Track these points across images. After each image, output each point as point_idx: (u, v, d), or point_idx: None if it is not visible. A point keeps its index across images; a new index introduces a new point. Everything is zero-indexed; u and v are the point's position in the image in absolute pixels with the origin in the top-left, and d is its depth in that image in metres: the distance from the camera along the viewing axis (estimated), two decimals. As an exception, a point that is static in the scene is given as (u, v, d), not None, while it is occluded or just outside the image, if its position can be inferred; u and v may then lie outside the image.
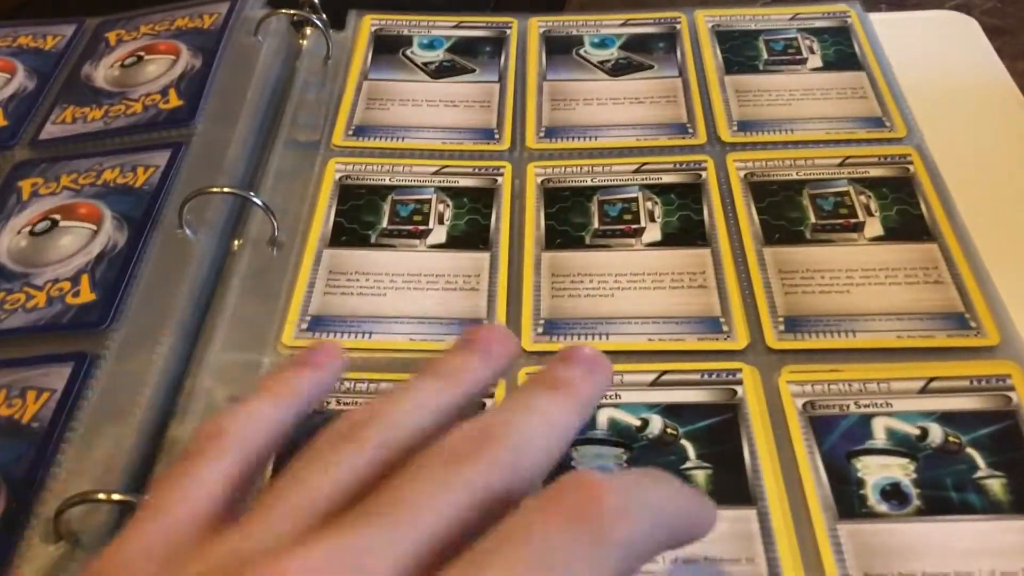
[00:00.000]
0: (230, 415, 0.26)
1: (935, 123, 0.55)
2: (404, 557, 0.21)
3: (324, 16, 0.64)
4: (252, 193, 0.49)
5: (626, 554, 0.22)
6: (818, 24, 0.63)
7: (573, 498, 0.22)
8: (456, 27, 0.65)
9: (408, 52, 0.62)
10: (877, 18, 0.63)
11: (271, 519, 0.22)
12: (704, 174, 0.53)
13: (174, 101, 0.57)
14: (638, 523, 0.22)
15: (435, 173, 0.54)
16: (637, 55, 0.61)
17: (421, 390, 0.27)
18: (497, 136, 0.56)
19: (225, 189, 0.48)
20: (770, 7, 0.65)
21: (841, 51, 0.60)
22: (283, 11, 0.61)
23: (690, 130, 0.56)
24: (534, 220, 0.51)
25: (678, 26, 0.63)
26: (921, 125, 0.55)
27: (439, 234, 0.50)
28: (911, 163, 0.52)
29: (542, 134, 0.56)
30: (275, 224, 0.49)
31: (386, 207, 0.52)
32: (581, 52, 0.61)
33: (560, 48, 0.62)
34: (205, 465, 0.24)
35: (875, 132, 0.54)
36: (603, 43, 0.62)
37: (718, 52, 0.61)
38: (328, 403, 0.42)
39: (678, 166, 0.53)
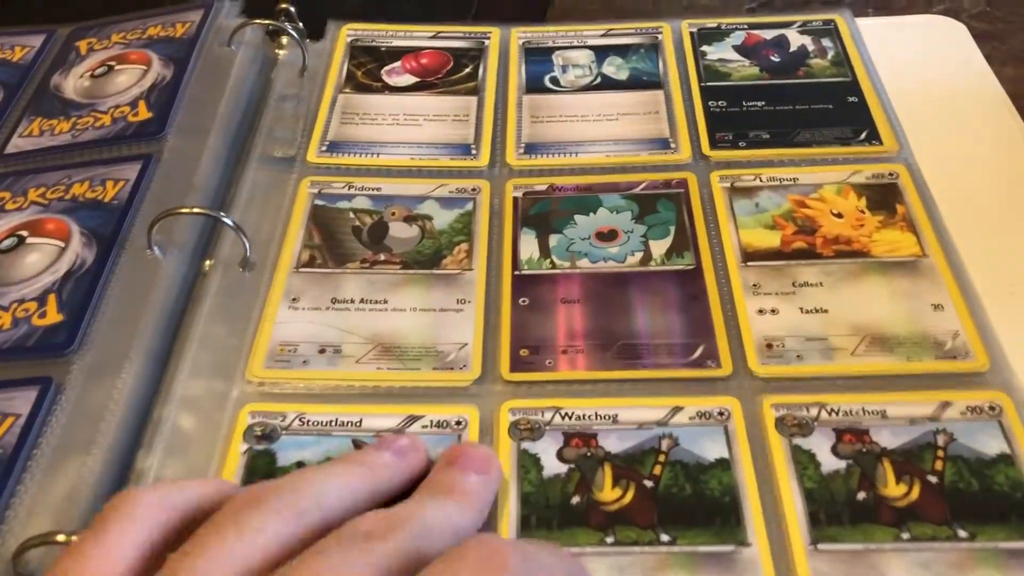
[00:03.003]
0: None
1: (923, 135, 0.54)
2: None
3: (301, 26, 0.62)
4: (223, 213, 0.47)
5: None
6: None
7: (478, 554, 0.23)
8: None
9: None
10: (864, 24, 0.62)
11: None
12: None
13: (143, 113, 0.55)
14: None
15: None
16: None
17: (341, 475, 0.29)
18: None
19: (195, 209, 0.47)
20: (756, 14, 0.64)
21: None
22: (258, 21, 0.59)
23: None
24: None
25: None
26: (908, 133, 0.54)
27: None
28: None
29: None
30: (247, 245, 0.48)
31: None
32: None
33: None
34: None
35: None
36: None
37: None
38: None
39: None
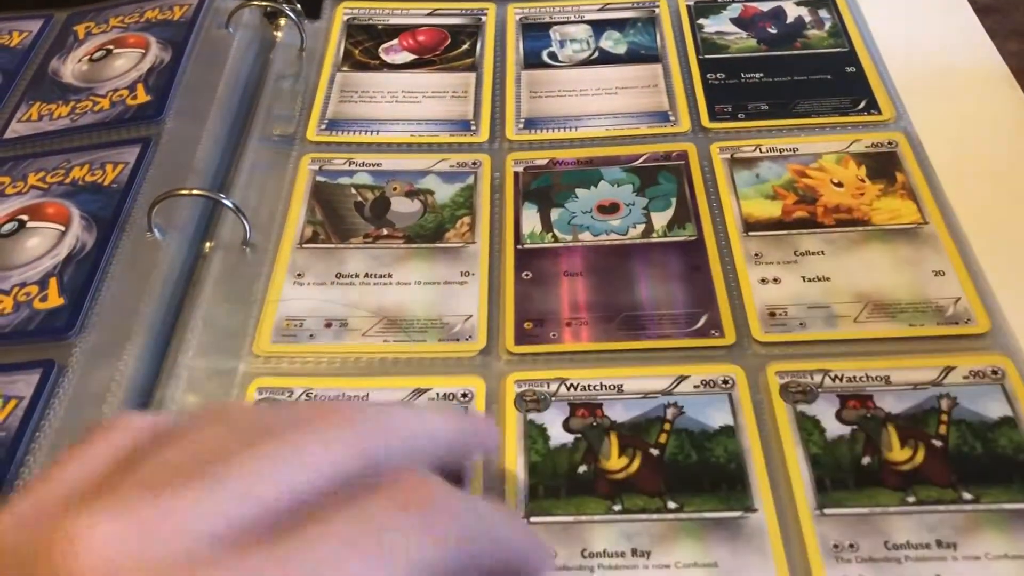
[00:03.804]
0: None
1: (922, 105, 0.54)
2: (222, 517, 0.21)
3: (298, 5, 0.62)
4: (222, 195, 0.47)
5: (445, 551, 0.22)
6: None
7: (410, 488, 0.23)
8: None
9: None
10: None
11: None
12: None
13: (142, 96, 0.55)
14: (467, 527, 0.23)
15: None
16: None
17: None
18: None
19: (194, 191, 0.47)
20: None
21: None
22: (255, 3, 0.59)
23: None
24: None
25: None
26: (907, 103, 0.54)
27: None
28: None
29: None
30: (247, 226, 0.48)
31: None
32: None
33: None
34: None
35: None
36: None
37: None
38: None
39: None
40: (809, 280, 0.45)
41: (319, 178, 0.52)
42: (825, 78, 0.56)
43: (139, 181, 0.50)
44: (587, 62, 0.59)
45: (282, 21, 0.62)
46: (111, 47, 0.59)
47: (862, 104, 0.54)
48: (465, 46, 0.60)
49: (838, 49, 0.58)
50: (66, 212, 0.49)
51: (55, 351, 0.43)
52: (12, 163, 0.53)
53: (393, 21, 0.63)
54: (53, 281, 0.46)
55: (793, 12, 0.61)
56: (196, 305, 0.45)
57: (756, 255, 0.46)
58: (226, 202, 0.47)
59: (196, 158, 0.51)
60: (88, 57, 0.59)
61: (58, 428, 0.40)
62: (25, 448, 0.40)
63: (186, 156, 0.51)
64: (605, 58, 0.59)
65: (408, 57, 0.60)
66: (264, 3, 0.59)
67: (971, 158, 0.51)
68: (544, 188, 0.51)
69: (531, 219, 0.49)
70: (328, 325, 0.45)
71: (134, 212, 0.48)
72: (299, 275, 0.47)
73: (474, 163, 0.53)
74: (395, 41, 0.61)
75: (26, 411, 0.41)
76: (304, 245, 0.48)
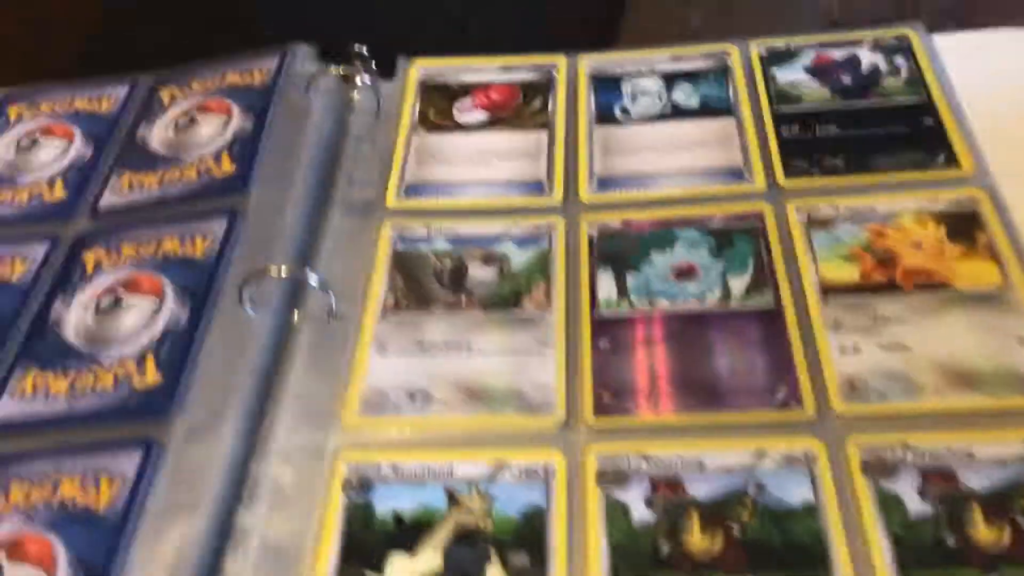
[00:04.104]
0: None
1: (1005, 158, 0.53)
2: None
3: (373, 65, 0.64)
4: (308, 270, 0.49)
5: None
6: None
7: None
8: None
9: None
10: (941, 40, 0.61)
11: None
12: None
13: (227, 166, 0.57)
14: None
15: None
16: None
17: None
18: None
19: (282, 270, 0.48)
20: (826, 32, 0.64)
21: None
22: (332, 69, 0.61)
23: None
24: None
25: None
26: (989, 156, 0.53)
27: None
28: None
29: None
30: (332, 299, 0.49)
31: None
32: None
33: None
34: None
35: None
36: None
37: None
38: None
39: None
40: (888, 348, 0.45)
41: (399, 246, 0.53)
42: (902, 130, 0.55)
43: (228, 254, 0.52)
44: (660, 116, 0.59)
45: (358, 81, 0.63)
46: (195, 114, 0.62)
47: (941, 158, 0.53)
48: (537, 102, 0.61)
49: (915, 99, 0.57)
50: (159, 285, 0.51)
51: (154, 429, 0.45)
52: (107, 235, 0.55)
53: (466, 78, 0.64)
54: (150, 358, 0.48)
55: (868, 59, 0.60)
56: (286, 380, 0.47)
57: (835, 322, 0.46)
58: (311, 280, 0.48)
59: (282, 229, 0.52)
60: (174, 124, 0.61)
61: (160, 509, 0.42)
62: (133, 526, 0.41)
63: (272, 228, 0.53)
64: (678, 112, 0.59)
65: (482, 115, 0.61)
66: (339, 70, 0.61)
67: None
68: (619, 251, 0.52)
69: (607, 284, 0.50)
70: (411, 397, 0.46)
71: (225, 286, 0.50)
72: (382, 345, 0.48)
73: (548, 226, 0.53)
74: (468, 99, 0.62)
75: (131, 491, 0.43)
76: (387, 315, 0.50)
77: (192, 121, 0.61)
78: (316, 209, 0.55)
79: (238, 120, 0.60)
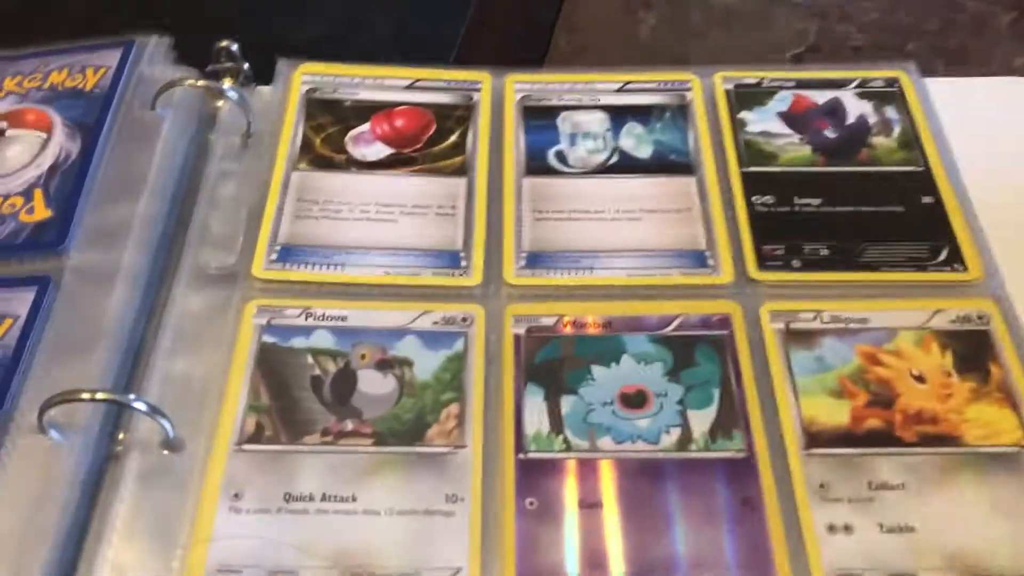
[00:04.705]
0: None
1: (1015, 241, 0.44)
2: None
3: (247, 67, 0.50)
4: (132, 396, 0.36)
5: None
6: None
7: None
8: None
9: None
10: (934, 86, 0.51)
11: None
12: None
13: (40, 211, 0.43)
14: None
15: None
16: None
17: None
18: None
19: (98, 396, 0.35)
20: (803, 64, 0.53)
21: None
22: (189, 82, 0.47)
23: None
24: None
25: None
26: (1000, 257, 0.44)
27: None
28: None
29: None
30: (168, 427, 0.37)
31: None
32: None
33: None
34: None
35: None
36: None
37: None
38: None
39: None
40: (888, 530, 0.36)
41: (267, 338, 0.41)
42: (897, 210, 0.46)
43: (30, 349, 0.38)
44: (604, 168, 0.48)
45: (226, 92, 0.49)
46: (4, 124, 0.47)
47: (943, 255, 0.44)
48: (454, 137, 0.49)
49: (911, 168, 0.47)
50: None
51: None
52: None
53: (364, 96, 0.51)
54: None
55: (854, 107, 0.50)
56: (100, 542, 0.35)
57: (821, 486, 0.37)
58: (139, 406, 0.36)
59: (107, 312, 0.39)
60: (-27, 136, 0.47)
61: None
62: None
63: (94, 309, 0.40)
64: (626, 163, 0.48)
65: (383, 150, 0.48)
66: (200, 83, 0.47)
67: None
68: (552, 363, 0.41)
69: (536, 411, 0.39)
70: (273, 582, 0.34)
71: (21, 401, 0.37)
72: (235, 496, 0.36)
73: (464, 319, 0.42)
74: (366, 127, 0.49)
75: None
76: (244, 446, 0.38)
77: (0, 135, 0.47)
78: (156, 277, 0.42)
79: (60, 140, 0.46)
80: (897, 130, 0.49)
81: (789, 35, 0.61)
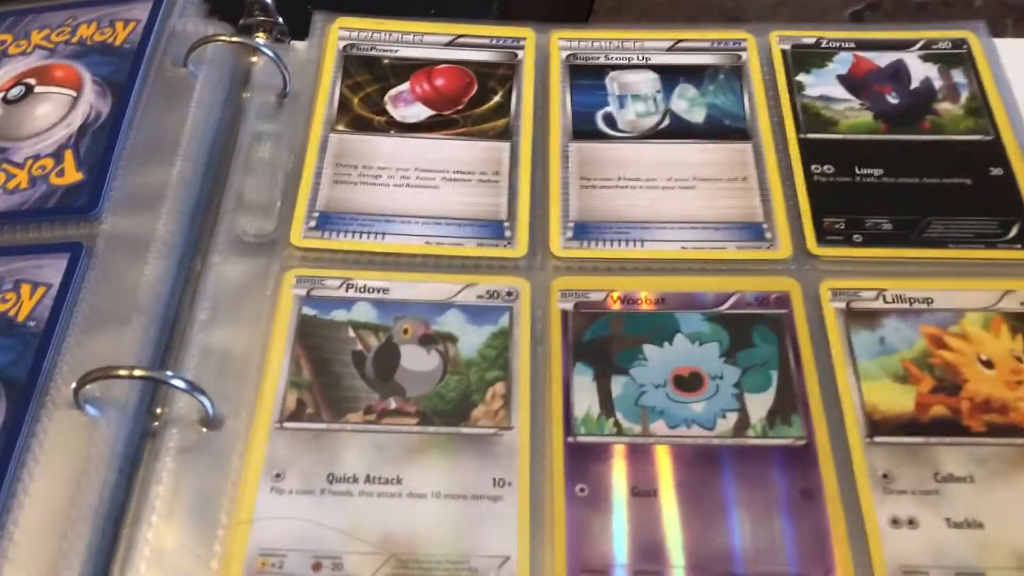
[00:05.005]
0: None
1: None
2: None
3: (281, 21, 0.48)
4: (169, 373, 0.35)
5: None
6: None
7: None
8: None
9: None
10: (1004, 46, 0.48)
11: None
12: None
13: (71, 173, 0.41)
14: None
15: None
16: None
17: None
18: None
19: (136, 372, 0.34)
20: (863, 23, 0.50)
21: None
22: (222, 38, 0.45)
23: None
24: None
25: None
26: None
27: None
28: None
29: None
30: (208, 405, 0.35)
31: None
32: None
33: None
34: None
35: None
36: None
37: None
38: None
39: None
40: (955, 525, 0.34)
41: (306, 310, 0.39)
42: (964, 183, 0.43)
43: (63, 320, 0.37)
44: (655, 133, 0.46)
45: (260, 48, 0.47)
46: (32, 81, 0.45)
47: (1014, 231, 0.42)
48: (497, 98, 0.47)
49: (979, 137, 0.45)
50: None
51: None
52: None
53: (403, 53, 0.48)
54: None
55: (919, 71, 0.48)
56: (139, 523, 0.34)
57: (884, 476, 0.35)
58: (176, 382, 0.35)
59: (141, 283, 0.38)
60: (2, 95, 0.45)
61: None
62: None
63: (129, 277, 0.38)
64: (678, 127, 0.46)
65: (423, 112, 0.46)
66: (233, 39, 0.45)
67: None
68: (602, 341, 0.39)
69: (585, 392, 0.38)
70: (317, 568, 0.33)
71: (56, 376, 0.36)
72: (277, 475, 0.35)
73: (509, 293, 0.40)
74: (405, 87, 0.47)
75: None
76: (285, 424, 0.36)
77: (28, 92, 0.45)
78: (191, 246, 0.41)
79: (90, 98, 0.44)
80: (964, 96, 0.46)
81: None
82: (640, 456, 0.36)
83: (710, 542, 0.34)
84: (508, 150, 0.45)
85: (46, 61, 0.46)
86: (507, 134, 0.45)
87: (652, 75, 0.48)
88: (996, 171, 0.44)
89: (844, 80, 0.47)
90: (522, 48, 0.49)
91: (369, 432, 0.36)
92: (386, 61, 0.48)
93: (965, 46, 0.48)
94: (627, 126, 0.46)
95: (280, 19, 0.48)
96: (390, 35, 0.49)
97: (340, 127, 0.45)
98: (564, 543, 0.34)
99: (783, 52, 0.48)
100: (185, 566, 0.33)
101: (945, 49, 0.48)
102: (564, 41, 0.49)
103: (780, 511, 0.35)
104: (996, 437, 0.36)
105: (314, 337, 0.39)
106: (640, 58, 0.48)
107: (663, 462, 0.36)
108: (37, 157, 0.42)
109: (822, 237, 0.42)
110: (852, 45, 0.49)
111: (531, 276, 0.41)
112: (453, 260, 0.41)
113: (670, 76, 0.48)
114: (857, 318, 0.39)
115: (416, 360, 0.39)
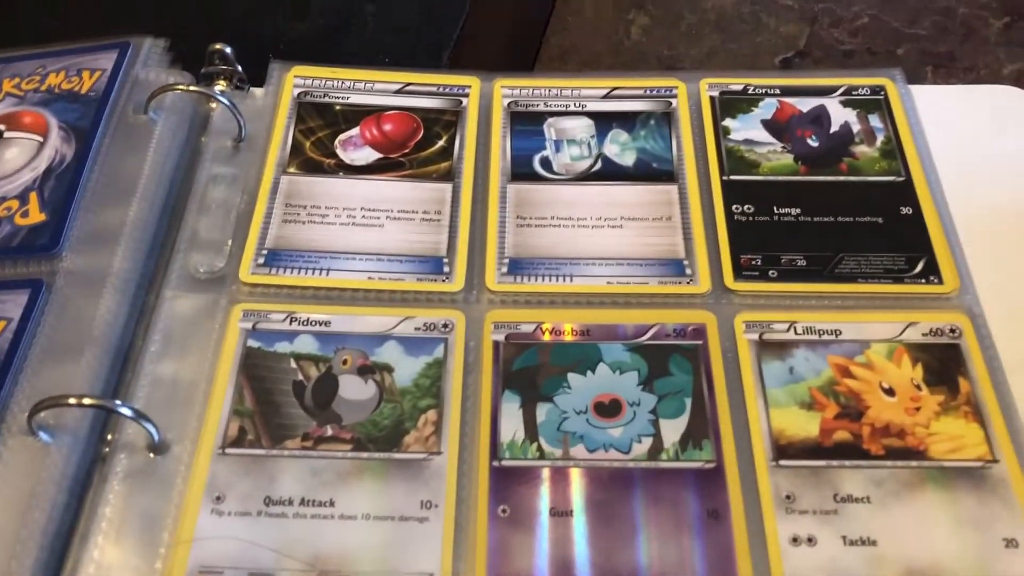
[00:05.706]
0: None
1: (993, 269, 0.44)
2: None
3: (239, 70, 0.51)
4: (118, 402, 0.37)
5: None
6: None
7: None
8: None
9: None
10: (920, 93, 0.51)
11: None
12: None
13: (35, 214, 0.44)
14: None
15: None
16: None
17: None
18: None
19: (85, 401, 0.37)
20: (791, 69, 0.53)
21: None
22: (181, 87, 0.48)
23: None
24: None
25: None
26: (974, 271, 0.44)
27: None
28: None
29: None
30: (154, 432, 0.38)
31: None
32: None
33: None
34: None
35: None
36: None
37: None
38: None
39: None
40: (851, 543, 0.37)
41: (252, 342, 0.42)
42: (876, 221, 0.46)
43: (22, 352, 0.40)
44: (587, 175, 0.49)
45: (219, 96, 0.50)
46: (2, 127, 0.48)
47: (919, 266, 0.44)
48: (441, 142, 0.50)
49: (892, 178, 0.48)
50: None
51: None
52: None
53: (355, 100, 0.51)
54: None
55: (839, 115, 0.50)
56: (86, 542, 0.36)
57: (787, 497, 0.38)
58: (124, 411, 0.37)
59: (96, 317, 0.41)
60: (-28, 139, 0.48)
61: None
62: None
63: (84, 313, 0.41)
64: (610, 170, 0.49)
65: (371, 155, 0.49)
66: (192, 89, 0.48)
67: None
68: (530, 370, 0.41)
69: (512, 418, 0.40)
70: (252, 584, 0.36)
71: (12, 404, 0.38)
72: (218, 498, 0.38)
73: (445, 325, 0.43)
74: (356, 131, 0.50)
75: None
76: (228, 450, 0.39)
77: (-3, 136, 0.48)
78: (147, 279, 0.44)
79: (55, 143, 0.47)
80: (880, 139, 0.49)
81: (780, 39, 0.61)
82: (560, 479, 0.38)
83: (620, 559, 0.36)
84: (450, 191, 0.48)
85: (15, 108, 0.48)
86: (450, 176, 0.48)
87: (587, 121, 0.51)
88: (906, 210, 0.47)
89: (768, 125, 0.50)
90: (467, 95, 0.52)
91: (305, 458, 0.39)
92: (338, 107, 0.51)
93: (883, 92, 0.51)
94: (562, 169, 0.49)
95: (239, 68, 0.51)
96: (343, 83, 0.52)
97: (292, 169, 0.48)
98: (485, 561, 0.36)
99: (711, 99, 0.51)
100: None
101: (864, 95, 0.51)
102: (507, 89, 0.52)
103: (689, 530, 0.37)
104: (894, 460, 0.39)
105: (258, 368, 0.41)
106: (577, 105, 0.51)
107: (580, 484, 0.38)
108: (3, 199, 0.45)
109: (739, 273, 0.44)
110: (778, 91, 0.52)
111: (467, 309, 0.43)
112: (394, 294, 0.44)
113: (604, 122, 0.51)
114: (769, 349, 0.42)
115: (353, 389, 0.41)
